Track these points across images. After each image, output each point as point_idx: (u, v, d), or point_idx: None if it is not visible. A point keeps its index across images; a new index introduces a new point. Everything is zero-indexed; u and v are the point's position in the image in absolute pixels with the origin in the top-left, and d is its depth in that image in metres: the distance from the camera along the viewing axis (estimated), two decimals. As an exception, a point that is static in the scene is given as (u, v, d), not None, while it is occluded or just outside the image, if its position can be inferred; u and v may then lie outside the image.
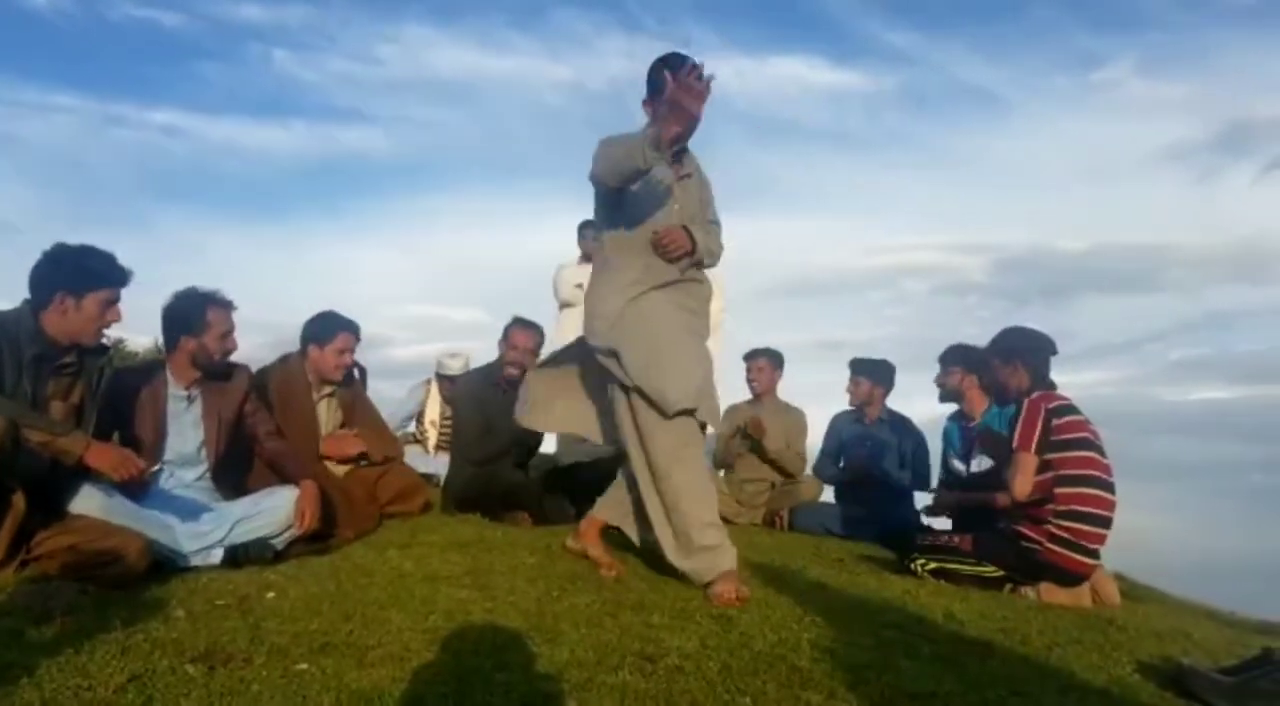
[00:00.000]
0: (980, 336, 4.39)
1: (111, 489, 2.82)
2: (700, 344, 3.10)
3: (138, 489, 2.90)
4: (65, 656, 1.91)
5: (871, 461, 5.21)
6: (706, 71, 2.57)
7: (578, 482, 4.73)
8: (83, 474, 2.76)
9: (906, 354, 5.91)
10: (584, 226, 6.84)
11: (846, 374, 5.46)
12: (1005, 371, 3.75)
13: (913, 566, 3.57)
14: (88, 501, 2.78)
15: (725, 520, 5.15)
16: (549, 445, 5.62)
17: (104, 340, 3.01)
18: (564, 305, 7.02)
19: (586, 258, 6.91)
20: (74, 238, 2.92)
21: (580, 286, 6.91)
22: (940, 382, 4.82)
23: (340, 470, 3.92)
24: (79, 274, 2.82)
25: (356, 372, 4.34)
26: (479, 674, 1.93)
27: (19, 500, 2.59)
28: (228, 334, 3.36)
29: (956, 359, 4.74)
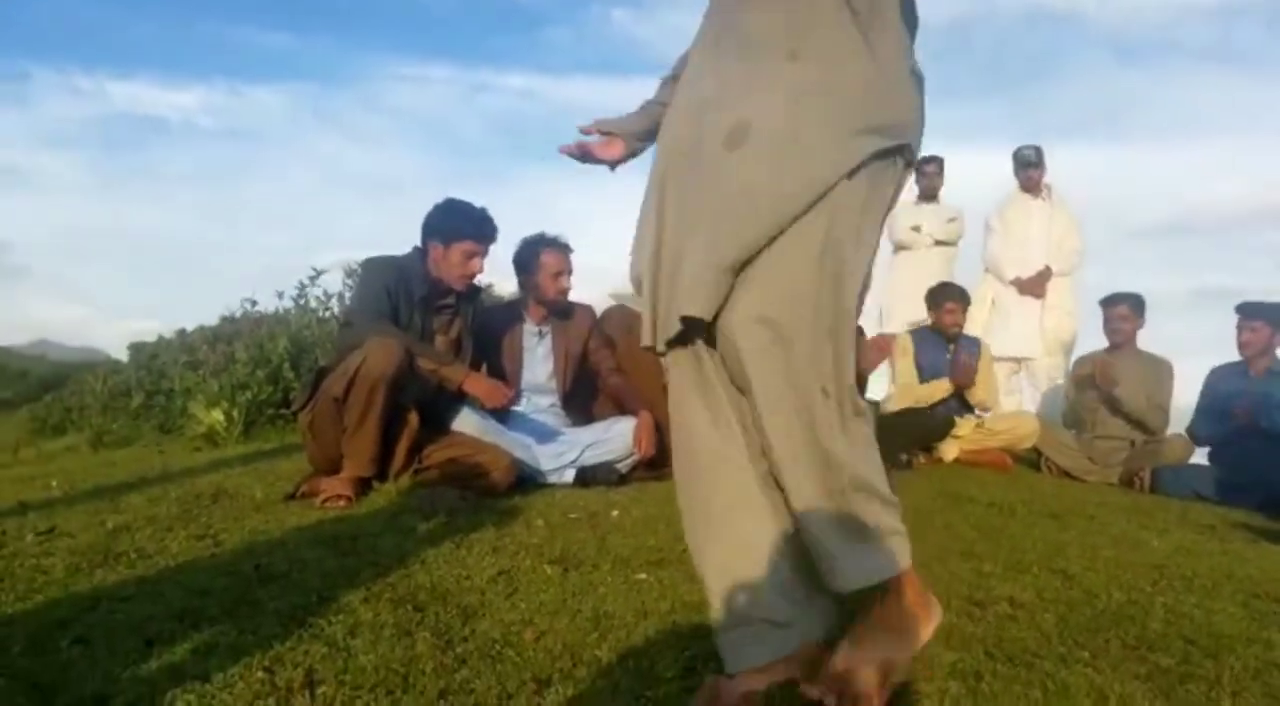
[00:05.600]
0: None
1: (484, 412, 3.22)
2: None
3: (504, 412, 3.27)
4: (447, 549, 2.23)
5: (1261, 412, 4.51)
6: None
7: (908, 427, 4.64)
8: (460, 398, 3.17)
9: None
10: (924, 162, 6.53)
11: (1231, 323, 4.77)
12: None
13: (1304, 538, 3.11)
14: (465, 421, 3.19)
15: (1074, 478, 4.85)
16: (876, 391, 5.53)
17: (477, 283, 3.40)
18: (898, 248, 6.73)
19: (925, 196, 6.62)
20: (448, 194, 3.33)
21: (916, 229, 6.61)
22: None
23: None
24: (451, 226, 3.20)
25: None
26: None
27: (413, 418, 3.04)
28: (560, 274, 3.64)
29: None
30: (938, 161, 6.50)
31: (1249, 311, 4.68)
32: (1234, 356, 4.80)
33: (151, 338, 7.70)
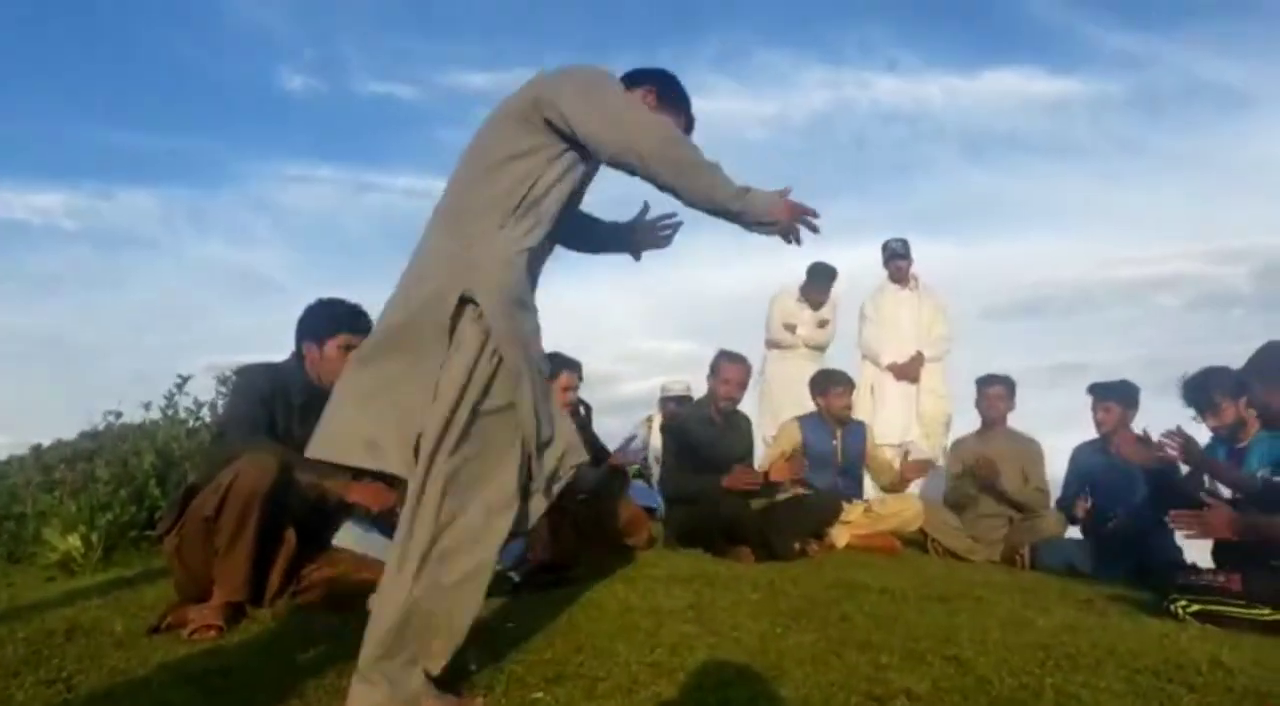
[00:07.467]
0: (1244, 354, 3.82)
1: (368, 524, 3.08)
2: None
3: (391, 522, 3.14)
4: (329, 679, 2.10)
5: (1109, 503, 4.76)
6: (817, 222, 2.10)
7: (801, 514, 4.68)
8: (343, 510, 3.03)
9: (1159, 376, 5.36)
10: (817, 280, 6.52)
11: (1086, 400, 5.05)
12: (1270, 393, 3.38)
13: (1173, 608, 3.24)
14: (346, 536, 3.05)
15: (959, 558, 4.97)
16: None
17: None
18: (771, 344, 6.72)
19: (811, 304, 6.66)
20: (330, 293, 3.24)
21: (790, 328, 6.68)
22: (1215, 427, 4.04)
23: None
24: (321, 322, 3.11)
25: (582, 410, 4.51)
26: (704, 709, 1.94)
27: (290, 536, 2.88)
28: None
29: (1221, 388, 3.96)
30: (830, 280, 6.55)
31: (1101, 392, 4.97)
32: (1091, 431, 5.06)
33: (2, 456, 7.17)
